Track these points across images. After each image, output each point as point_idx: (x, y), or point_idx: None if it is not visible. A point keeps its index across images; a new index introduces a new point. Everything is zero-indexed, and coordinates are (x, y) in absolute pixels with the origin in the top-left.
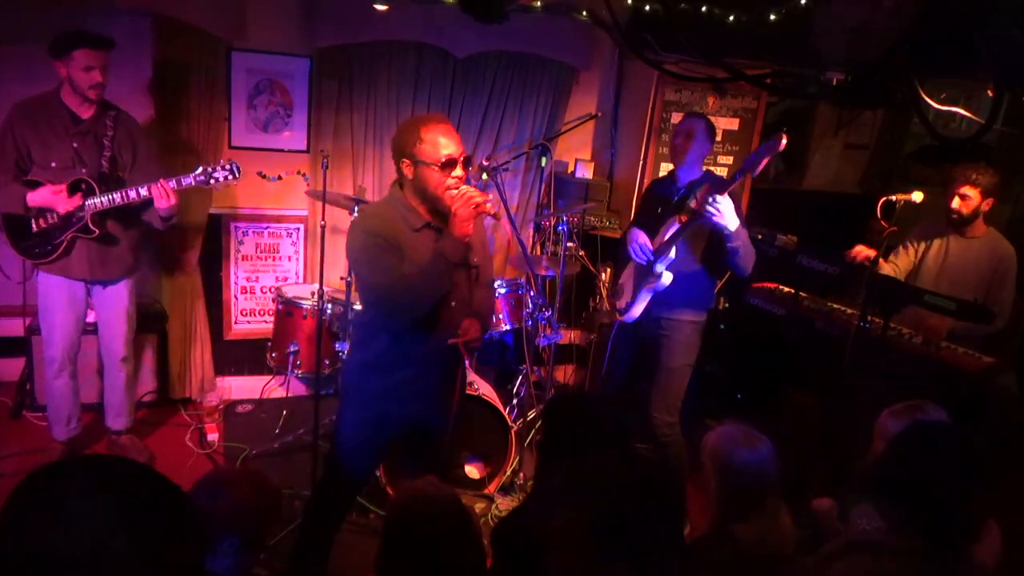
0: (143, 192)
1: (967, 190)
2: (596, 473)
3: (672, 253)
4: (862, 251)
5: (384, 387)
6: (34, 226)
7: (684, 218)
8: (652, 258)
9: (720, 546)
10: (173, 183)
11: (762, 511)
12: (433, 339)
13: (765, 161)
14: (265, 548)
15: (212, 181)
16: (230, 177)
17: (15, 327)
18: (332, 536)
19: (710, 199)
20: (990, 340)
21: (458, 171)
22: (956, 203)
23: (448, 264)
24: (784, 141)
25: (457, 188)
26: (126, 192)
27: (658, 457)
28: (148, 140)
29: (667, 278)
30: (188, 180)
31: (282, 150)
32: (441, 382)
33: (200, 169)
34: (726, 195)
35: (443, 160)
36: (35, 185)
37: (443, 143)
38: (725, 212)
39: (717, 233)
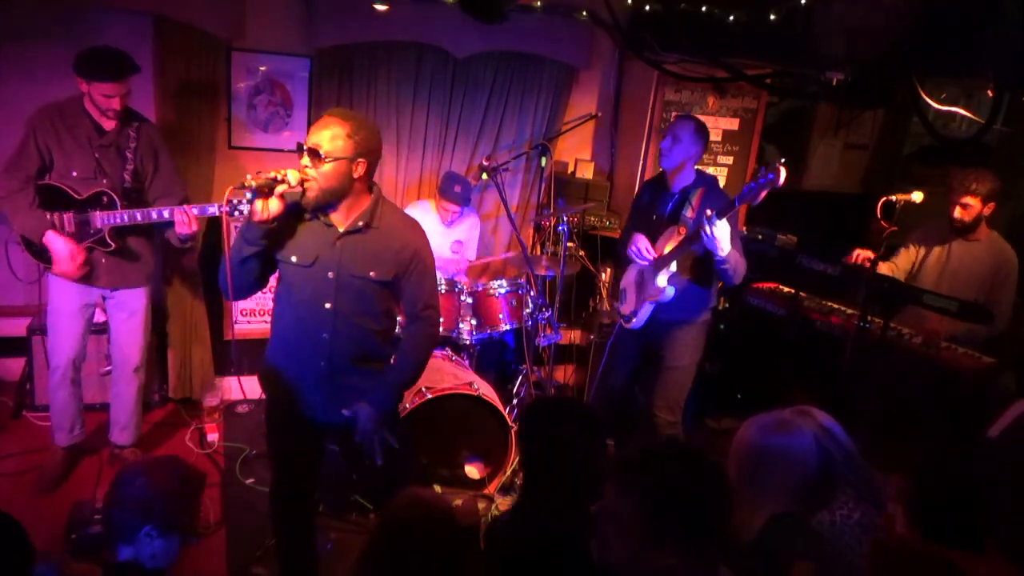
0: (165, 215)
1: (968, 200)
2: (650, 459)
3: (673, 266)
4: (860, 253)
5: (274, 378)
6: None
7: (683, 230)
8: (652, 259)
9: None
10: (197, 210)
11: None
12: (298, 332)
13: (764, 194)
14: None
15: (236, 213)
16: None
17: (16, 327)
18: (304, 534)
19: (708, 224)
20: (990, 340)
21: (303, 159)
22: (958, 213)
23: (236, 238)
24: (784, 175)
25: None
26: (148, 212)
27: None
28: (167, 149)
29: (670, 291)
30: (212, 210)
31: (282, 150)
32: (315, 381)
33: (226, 199)
34: (724, 220)
35: (299, 142)
36: (56, 193)
37: (310, 129)
38: (721, 239)
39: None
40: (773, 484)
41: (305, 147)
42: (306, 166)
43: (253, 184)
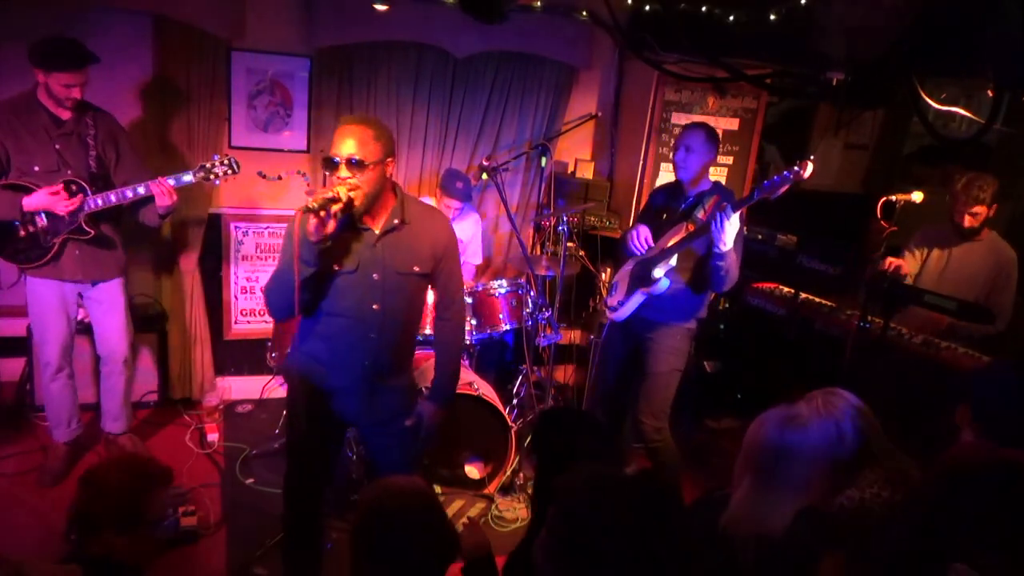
0: (141, 191)
1: (977, 209)
2: (568, 495)
3: (673, 260)
4: (893, 262)
5: (305, 383)
6: (21, 231)
7: (691, 227)
8: (648, 247)
9: (712, 502)
10: (172, 180)
11: (758, 485)
12: (345, 335)
13: (786, 188)
14: (153, 528)
15: (211, 177)
16: (229, 172)
17: (16, 327)
18: (313, 534)
19: (720, 213)
20: (990, 340)
21: (342, 172)
22: (968, 221)
23: (295, 258)
24: (810, 169)
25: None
26: (123, 192)
27: (650, 461)
28: (128, 136)
29: (664, 284)
30: (188, 177)
31: (282, 150)
32: (356, 381)
33: (199, 166)
34: (736, 215)
35: (326, 159)
36: (21, 189)
37: (335, 142)
38: (728, 231)
39: (709, 246)
40: (795, 479)
41: (340, 159)
42: (348, 177)
43: (315, 206)
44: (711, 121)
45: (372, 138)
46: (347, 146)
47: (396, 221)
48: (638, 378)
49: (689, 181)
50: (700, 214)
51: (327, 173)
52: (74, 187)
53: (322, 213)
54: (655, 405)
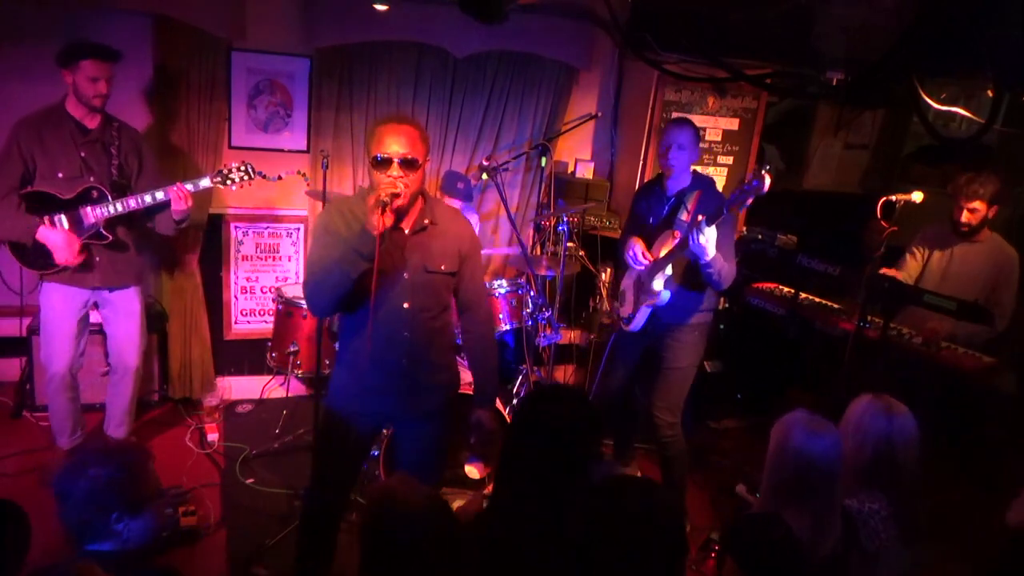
0: (160, 196)
1: (976, 204)
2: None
3: (668, 270)
4: (887, 272)
5: (347, 383)
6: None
7: (677, 235)
8: (648, 264)
9: (769, 527)
10: (190, 186)
11: (807, 501)
12: (378, 334)
13: (750, 200)
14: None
15: (228, 182)
16: (245, 178)
17: (16, 327)
18: (330, 536)
19: (695, 230)
20: (991, 341)
21: (394, 171)
22: (965, 217)
23: (350, 252)
24: (768, 183)
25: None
26: (141, 197)
27: (660, 455)
28: (150, 147)
29: (665, 295)
30: (205, 182)
31: (282, 150)
32: (396, 379)
33: (216, 171)
34: (712, 228)
35: (376, 157)
36: (42, 198)
37: (383, 141)
38: (706, 246)
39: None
40: (837, 489)
41: (393, 158)
42: (400, 176)
43: (387, 199)
44: (711, 121)
45: (419, 138)
46: (399, 144)
47: (426, 221)
48: (653, 374)
49: (676, 177)
50: (683, 215)
51: (375, 171)
52: (95, 193)
53: (388, 208)
54: (672, 400)
